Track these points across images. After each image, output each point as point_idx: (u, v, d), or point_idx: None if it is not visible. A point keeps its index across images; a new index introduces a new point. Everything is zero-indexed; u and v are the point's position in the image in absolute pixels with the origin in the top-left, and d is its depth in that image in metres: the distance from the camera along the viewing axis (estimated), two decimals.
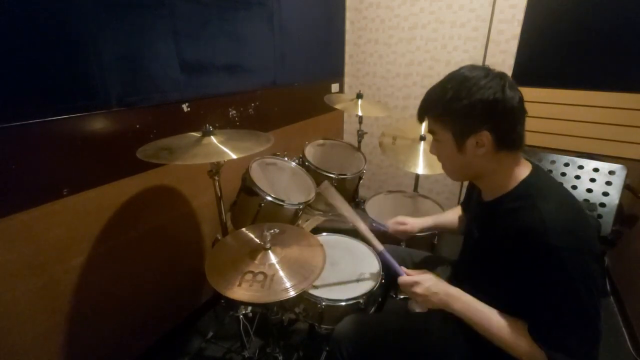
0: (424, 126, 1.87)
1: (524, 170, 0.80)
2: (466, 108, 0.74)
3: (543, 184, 0.77)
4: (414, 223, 1.27)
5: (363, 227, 1.10)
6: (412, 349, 0.96)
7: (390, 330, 1.01)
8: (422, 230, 1.29)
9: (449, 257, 1.26)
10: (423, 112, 0.83)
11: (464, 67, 0.78)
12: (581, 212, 0.75)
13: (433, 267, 1.22)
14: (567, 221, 0.70)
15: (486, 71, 0.75)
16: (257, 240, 1.13)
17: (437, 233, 1.57)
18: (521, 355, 0.75)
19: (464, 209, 1.21)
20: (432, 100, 0.81)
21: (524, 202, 0.75)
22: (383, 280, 1.24)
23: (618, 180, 1.79)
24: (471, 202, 1.04)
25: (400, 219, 1.29)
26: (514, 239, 0.73)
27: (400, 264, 1.27)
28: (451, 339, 0.92)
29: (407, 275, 0.94)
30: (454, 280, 1.10)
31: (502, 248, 0.77)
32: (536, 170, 0.81)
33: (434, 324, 0.98)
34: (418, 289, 0.88)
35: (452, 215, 1.27)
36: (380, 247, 1.07)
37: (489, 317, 0.80)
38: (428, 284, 0.88)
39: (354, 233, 1.49)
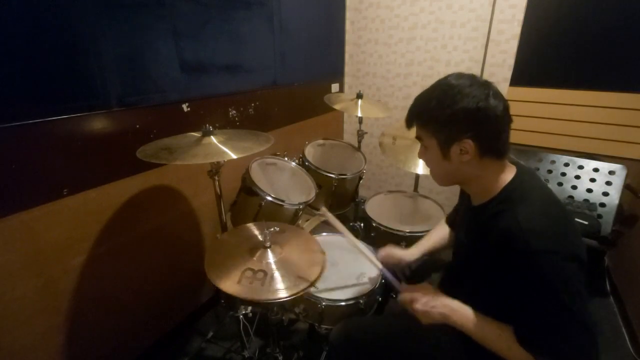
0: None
1: (508, 175, 0.80)
2: (450, 116, 0.75)
3: (526, 187, 0.78)
4: (403, 256, 1.19)
5: (362, 247, 1.16)
6: (408, 352, 0.96)
7: (387, 333, 1.01)
8: (413, 261, 1.21)
9: (448, 259, 1.26)
10: (410, 120, 0.84)
11: (451, 75, 0.79)
12: (563, 215, 0.74)
13: (431, 269, 1.22)
14: (546, 224, 0.70)
15: (471, 80, 0.76)
16: (258, 238, 1.13)
17: None
18: None
19: (449, 223, 1.21)
20: (418, 108, 0.82)
21: (504, 206, 0.76)
22: (383, 281, 1.24)
23: (618, 180, 1.79)
24: (462, 208, 1.04)
25: (390, 252, 1.20)
26: (495, 244, 0.74)
27: (399, 266, 1.27)
28: (448, 343, 0.92)
29: (405, 292, 0.93)
30: (444, 285, 1.10)
31: (486, 253, 0.78)
32: (520, 173, 0.81)
33: (431, 327, 0.98)
34: (417, 305, 0.87)
35: (439, 234, 1.23)
36: (379, 265, 1.10)
37: (485, 328, 0.79)
38: (425, 299, 0.87)
39: (354, 233, 1.50)
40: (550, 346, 0.69)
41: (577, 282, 0.68)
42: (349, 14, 2.59)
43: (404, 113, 0.85)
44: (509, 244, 0.71)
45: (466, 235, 0.93)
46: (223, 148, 1.10)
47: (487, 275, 0.80)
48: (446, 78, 0.79)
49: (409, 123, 0.85)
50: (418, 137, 0.85)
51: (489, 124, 0.74)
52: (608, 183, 1.81)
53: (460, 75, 0.77)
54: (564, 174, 1.92)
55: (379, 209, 1.77)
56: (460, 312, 0.83)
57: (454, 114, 0.74)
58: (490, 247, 0.76)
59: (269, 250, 1.06)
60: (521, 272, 0.70)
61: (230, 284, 0.93)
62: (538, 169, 1.99)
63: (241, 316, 1.38)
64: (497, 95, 0.74)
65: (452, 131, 0.76)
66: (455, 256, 1.04)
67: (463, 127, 0.75)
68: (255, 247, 1.08)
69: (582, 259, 0.70)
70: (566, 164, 1.93)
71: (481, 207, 0.84)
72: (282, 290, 0.93)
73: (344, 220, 1.97)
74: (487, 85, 0.75)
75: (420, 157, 0.90)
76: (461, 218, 1.03)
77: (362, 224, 1.88)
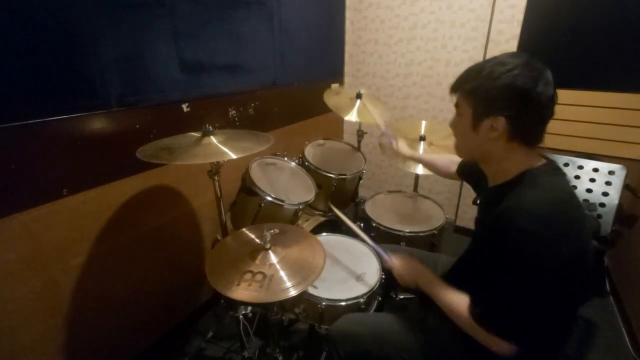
0: (423, 126, 1.88)
1: (531, 163, 0.78)
2: (494, 90, 0.74)
3: (543, 178, 0.75)
4: (402, 147, 1.54)
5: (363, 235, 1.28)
6: (409, 348, 0.96)
7: (387, 329, 1.01)
8: (405, 155, 1.52)
9: (448, 256, 1.26)
10: (456, 85, 0.83)
11: (509, 52, 0.78)
12: (571, 207, 0.72)
13: (432, 267, 1.22)
14: (546, 209, 0.69)
15: (527, 60, 0.74)
16: (257, 241, 1.13)
17: (437, 232, 1.57)
18: (476, 334, 0.78)
19: (458, 168, 1.22)
20: (468, 75, 0.80)
21: (515, 189, 0.75)
22: (383, 280, 1.24)
23: (618, 180, 1.79)
24: (480, 191, 1.06)
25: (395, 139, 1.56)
26: (495, 220, 0.74)
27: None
28: (449, 339, 0.92)
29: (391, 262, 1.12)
30: (456, 271, 1.10)
31: (488, 233, 0.79)
32: (545, 165, 0.79)
33: (431, 324, 0.99)
34: (396, 272, 1.07)
35: (441, 159, 1.36)
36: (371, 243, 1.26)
37: (444, 292, 0.89)
38: (401, 266, 1.06)
39: (354, 233, 1.50)
40: (496, 320, 0.74)
41: (553, 273, 0.69)
42: (349, 14, 2.59)
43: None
44: (504, 221, 0.71)
45: (481, 216, 0.94)
46: (223, 148, 1.10)
47: (487, 254, 0.80)
48: (503, 54, 0.78)
49: (454, 88, 0.83)
50: (456, 105, 0.85)
51: (527, 109, 0.73)
52: (608, 183, 1.81)
53: (517, 55, 0.76)
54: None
55: (379, 209, 1.77)
56: (426, 276, 0.97)
57: (497, 89, 0.73)
58: (491, 226, 0.76)
59: (269, 251, 1.07)
60: (507, 249, 0.71)
61: (238, 291, 0.94)
62: None
63: (241, 316, 1.38)
64: (548, 83, 0.72)
65: (489, 105, 0.75)
66: (472, 240, 1.03)
67: (501, 105, 0.73)
68: (256, 250, 1.08)
69: (574, 254, 0.70)
70: (566, 164, 1.93)
71: (495, 188, 0.84)
72: (290, 289, 0.95)
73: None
74: (540, 71, 0.73)
75: (451, 125, 0.89)
76: (479, 200, 1.03)
77: (362, 224, 1.88)
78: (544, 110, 0.74)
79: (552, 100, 0.74)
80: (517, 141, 0.77)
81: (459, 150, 0.90)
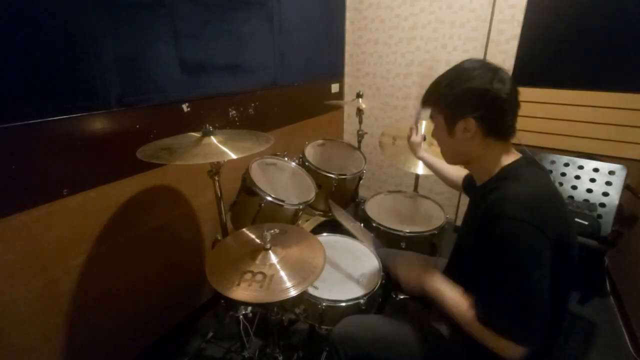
0: (423, 126, 1.88)
1: (511, 158, 0.84)
2: (456, 95, 0.81)
3: (524, 171, 0.80)
4: (421, 150, 1.48)
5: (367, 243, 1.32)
6: (410, 350, 0.96)
7: (388, 331, 1.01)
8: (422, 158, 1.47)
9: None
10: (425, 98, 0.90)
11: (466, 60, 0.84)
12: (551, 196, 0.76)
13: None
14: (528, 198, 0.73)
15: (482, 64, 0.81)
16: (258, 241, 1.13)
17: (437, 233, 1.57)
18: (484, 339, 0.75)
19: (463, 183, 1.24)
20: (432, 88, 0.88)
21: (500, 183, 0.80)
22: (383, 281, 1.24)
23: (618, 181, 1.79)
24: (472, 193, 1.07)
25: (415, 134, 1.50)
26: (482, 216, 0.77)
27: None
28: (449, 340, 0.92)
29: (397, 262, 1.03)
30: (447, 271, 1.10)
31: (474, 226, 0.80)
32: (523, 158, 0.84)
33: (431, 324, 0.99)
34: (402, 279, 0.98)
35: (452, 169, 1.34)
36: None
37: (452, 300, 0.82)
38: (412, 275, 0.95)
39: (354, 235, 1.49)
40: (501, 319, 0.72)
41: (541, 260, 0.70)
42: (349, 14, 2.59)
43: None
44: (489, 212, 0.74)
45: (469, 216, 0.96)
46: (223, 148, 1.10)
47: (473, 250, 0.81)
48: (461, 62, 0.84)
49: (424, 102, 0.91)
50: (431, 116, 0.91)
51: (491, 106, 0.78)
52: (608, 183, 1.81)
53: (473, 60, 0.83)
54: (564, 174, 1.92)
55: (379, 209, 1.77)
56: (434, 282, 0.88)
57: (459, 94, 0.80)
58: (478, 219, 0.79)
59: (270, 251, 1.07)
60: (492, 236, 0.73)
61: (238, 291, 0.94)
62: None
63: (241, 316, 1.38)
64: (503, 80, 0.78)
65: (457, 109, 0.82)
66: (456, 240, 1.05)
67: (467, 107, 0.80)
68: (256, 250, 1.08)
69: (559, 238, 0.71)
70: (566, 164, 1.93)
71: (482, 187, 0.88)
72: (290, 289, 0.95)
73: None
74: (495, 70, 0.79)
75: (432, 136, 0.95)
76: (469, 204, 1.05)
77: (362, 224, 1.88)
78: (504, 104, 0.78)
79: (512, 93, 0.78)
80: (492, 137, 0.82)
81: (445, 156, 0.95)
